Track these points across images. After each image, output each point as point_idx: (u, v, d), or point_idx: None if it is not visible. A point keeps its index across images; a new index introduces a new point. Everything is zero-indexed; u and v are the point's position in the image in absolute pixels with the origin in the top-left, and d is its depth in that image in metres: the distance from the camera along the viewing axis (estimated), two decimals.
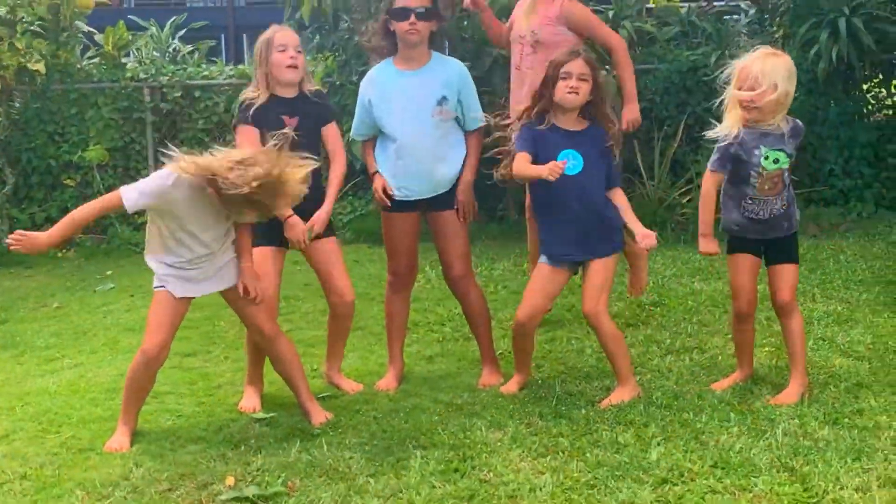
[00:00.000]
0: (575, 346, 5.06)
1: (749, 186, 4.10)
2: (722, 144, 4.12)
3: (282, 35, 4.36)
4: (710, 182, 4.19)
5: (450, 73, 4.52)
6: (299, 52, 4.37)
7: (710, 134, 4.20)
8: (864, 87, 8.70)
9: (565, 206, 4.23)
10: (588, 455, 3.62)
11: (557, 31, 5.23)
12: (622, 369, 4.26)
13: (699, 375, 4.51)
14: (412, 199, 4.53)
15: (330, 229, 4.55)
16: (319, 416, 4.19)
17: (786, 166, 4.09)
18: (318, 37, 9.56)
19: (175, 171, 3.75)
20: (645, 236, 4.17)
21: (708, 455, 3.56)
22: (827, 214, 7.99)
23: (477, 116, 4.58)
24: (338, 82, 8.94)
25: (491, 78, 8.03)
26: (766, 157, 4.06)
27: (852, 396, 4.13)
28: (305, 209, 4.25)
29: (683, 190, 8.02)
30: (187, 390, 4.65)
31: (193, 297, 4.05)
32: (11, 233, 3.96)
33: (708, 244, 4.21)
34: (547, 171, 4.01)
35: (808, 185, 8.23)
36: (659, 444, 3.69)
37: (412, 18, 4.41)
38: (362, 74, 8.53)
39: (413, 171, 4.48)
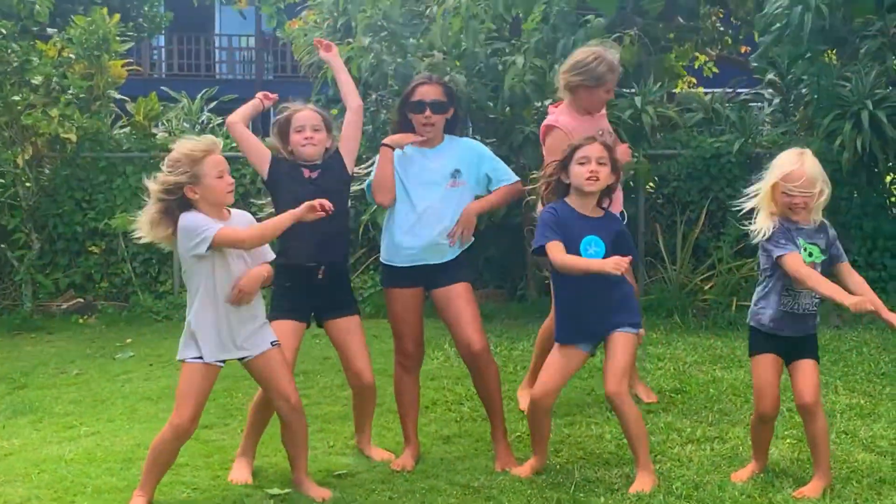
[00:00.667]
0: (594, 431, 5.01)
1: (788, 279, 4.09)
2: (777, 230, 4.07)
3: (300, 116, 4.54)
4: (796, 261, 4.02)
5: (462, 149, 4.69)
6: (316, 130, 4.51)
7: (754, 237, 4.15)
8: (888, 178, 8.72)
9: (587, 289, 4.23)
10: None
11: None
12: (642, 455, 4.21)
13: (720, 466, 4.45)
14: (416, 264, 4.58)
15: (353, 307, 4.62)
16: (318, 493, 4.16)
17: (818, 261, 4.10)
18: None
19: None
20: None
21: None
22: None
23: (509, 175, 4.68)
24: (364, 155, 9.02)
25: (521, 156, 8.11)
26: (805, 250, 4.08)
27: (875, 493, 4.07)
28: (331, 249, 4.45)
29: (706, 276, 8.02)
30: (203, 463, 4.62)
31: (222, 366, 4.05)
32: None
33: (858, 301, 3.91)
34: (612, 265, 3.99)
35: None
36: None
37: (427, 112, 4.56)
38: None
39: (424, 235, 4.56)
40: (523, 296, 8.91)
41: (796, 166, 4.08)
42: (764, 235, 4.10)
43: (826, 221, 4.20)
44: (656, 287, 8.03)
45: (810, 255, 4.09)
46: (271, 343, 4.11)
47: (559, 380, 4.36)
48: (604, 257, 4.19)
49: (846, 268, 4.20)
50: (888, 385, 5.79)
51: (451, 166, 4.61)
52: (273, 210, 4.55)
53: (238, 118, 4.62)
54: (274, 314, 4.39)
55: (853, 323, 7.58)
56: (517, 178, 4.72)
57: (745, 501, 3.98)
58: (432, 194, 4.58)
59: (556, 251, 4.17)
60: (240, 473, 4.42)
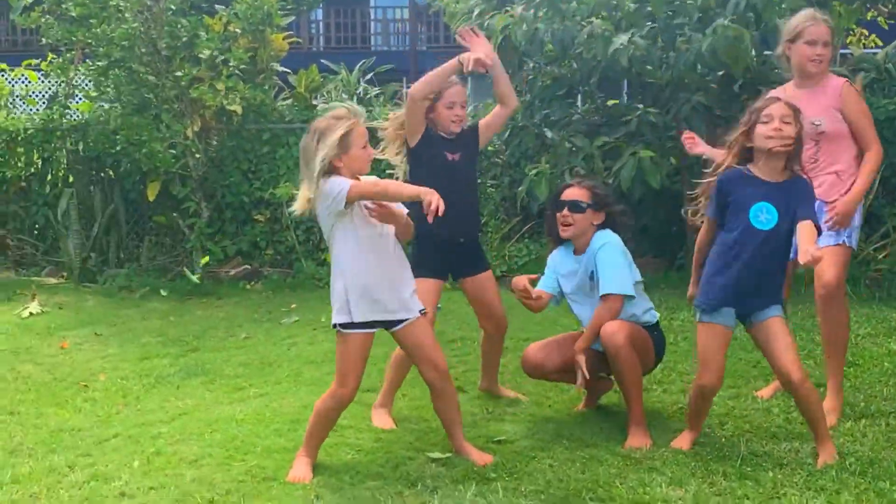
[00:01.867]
0: (761, 404, 4.86)
1: None
2: None
3: (452, 91, 4.73)
4: None
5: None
6: (464, 107, 4.77)
7: None
8: None
9: (744, 259, 4.07)
10: None
11: (838, 119, 4.75)
12: (823, 433, 4.09)
13: None
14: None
15: (486, 264, 4.99)
16: (480, 457, 4.19)
17: None
18: None
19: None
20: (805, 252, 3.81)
21: None
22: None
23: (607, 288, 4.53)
24: (521, 123, 9.01)
25: (690, 123, 7.87)
26: None
27: None
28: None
29: (879, 245, 7.64)
30: (366, 426, 4.72)
31: (374, 332, 4.11)
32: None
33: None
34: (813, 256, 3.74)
35: None
36: None
37: (565, 211, 4.65)
38: (545, 117, 8.68)
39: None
40: (682, 265, 8.71)
41: None
42: None
43: None
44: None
45: None
46: (420, 311, 4.16)
47: (723, 360, 4.22)
48: (775, 225, 4.03)
49: None
50: None
51: (589, 270, 4.63)
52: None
53: (421, 94, 4.65)
54: (416, 272, 4.50)
55: None
56: (618, 293, 4.51)
57: None
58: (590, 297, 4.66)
59: (701, 231, 4.20)
60: (382, 420, 4.71)
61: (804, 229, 3.93)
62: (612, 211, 4.66)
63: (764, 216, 4.05)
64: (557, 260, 4.78)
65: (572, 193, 4.65)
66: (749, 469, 3.97)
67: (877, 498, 3.63)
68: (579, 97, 9.40)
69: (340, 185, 3.93)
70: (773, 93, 4.64)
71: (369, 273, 4.04)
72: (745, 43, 7.19)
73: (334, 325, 4.08)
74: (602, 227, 4.65)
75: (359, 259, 4.03)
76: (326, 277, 8.89)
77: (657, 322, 4.71)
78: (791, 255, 4.17)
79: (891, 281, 7.43)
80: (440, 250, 4.78)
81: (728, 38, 7.17)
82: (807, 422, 4.16)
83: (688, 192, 4.41)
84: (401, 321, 4.12)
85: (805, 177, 4.13)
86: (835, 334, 4.76)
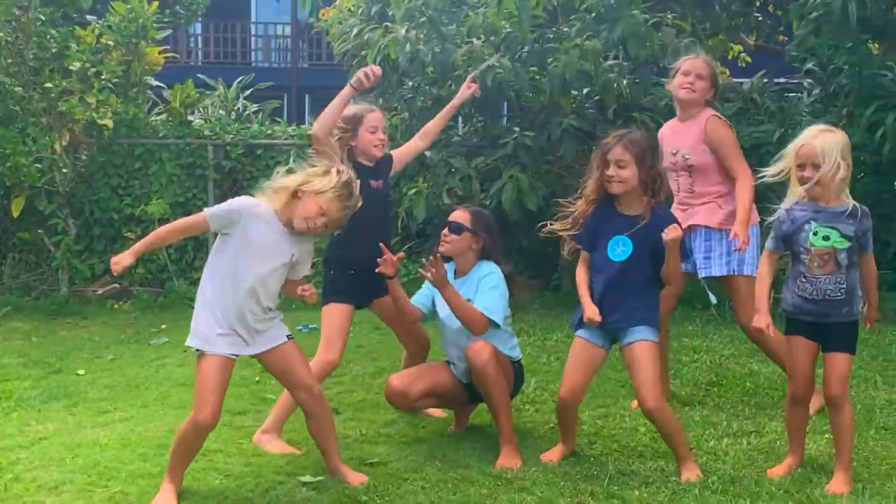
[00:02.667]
0: (629, 423, 4.96)
1: (801, 264, 4.06)
2: (775, 223, 4.11)
3: (373, 117, 4.82)
4: (765, 261, 4.19)
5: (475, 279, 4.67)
6: (385, 132, 4.89)
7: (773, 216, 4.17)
8: None
9: (602, 286, 4.27)
10: None
11: (704, 151, 5.03)
12: (685, 453, 4.24)
13: (757, 460, 4.39)
14: None
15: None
16: (355, 478, 4.17)
17: (839, 246, 4.00)
18: (381, 99, 9.68)
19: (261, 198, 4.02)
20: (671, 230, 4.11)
21: None
22: (890, 299, 7.82)
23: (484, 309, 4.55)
24: (400, 142, 9.01)
25: (558, 148, 8.06)
26: (816, 234, 4.01)
27: None
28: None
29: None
30: (236, 449, 4.63)
31: (237, 358, 4.04)
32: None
33: (759, 318, 4.08)
34: (589, 313, 4.20)
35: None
36: None
37: (445, 230, 4.70)
38: None
39: None
40: (558, 286, 8.86)
41: (806, 139, 4.04)
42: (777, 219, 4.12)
43: (864, 209, 4.04)
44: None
45: (826, 238, 4.00)
46: (287, 336, 4.12)
47: (585, 377, 4.34)
48: (628, 258, 4.22)
49: (864, 259, 4.11)
50: None
51: (467, 296, 4.64)
52: None
53: (323, 130, 4.65)
54: (329, 298, 4.76)
55: (893, 317, 7.47)
56: (489, 320, 4.52)
57: (782, 497, 3.92)
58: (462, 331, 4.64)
59: (580, 265, 4.37)
60: (276, 445, 4.62)
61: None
62: (489, 238, 4.70)
63: (620, 249, 4.24)
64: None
65: (456, 215, 4.74)
66: (616, 488, 4.04)
67: None
68: (460, 119, 9.49)
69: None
70: (664, 127, 5.21)
71: (234, 308, 3.98)
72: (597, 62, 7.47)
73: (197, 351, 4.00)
74: (482, 253, 4.70)
75: (231, 289, 3.97)
76: None
77: (519, 360, 4.79)
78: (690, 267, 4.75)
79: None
80: (355, 276, 4.78)
81: (582, 55, 7.45)
82: (668, 445, 4.29)
83: (551, 221, 4.49)
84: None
85: (658, 210, 4.27)
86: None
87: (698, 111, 5.07)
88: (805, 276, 4.06)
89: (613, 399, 5.41)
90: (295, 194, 3.97)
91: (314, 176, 3.99)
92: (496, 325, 4.55)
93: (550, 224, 4.49)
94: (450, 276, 4.74)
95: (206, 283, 4.03)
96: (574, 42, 7.75)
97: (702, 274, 5.14)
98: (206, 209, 4.04)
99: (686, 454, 4.22)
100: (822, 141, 4.00)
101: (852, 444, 4.14)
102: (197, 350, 3.98)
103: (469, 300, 4.57)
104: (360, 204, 4.07)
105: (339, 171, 4.01)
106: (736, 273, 5.02)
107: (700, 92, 5.04)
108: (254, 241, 3.95)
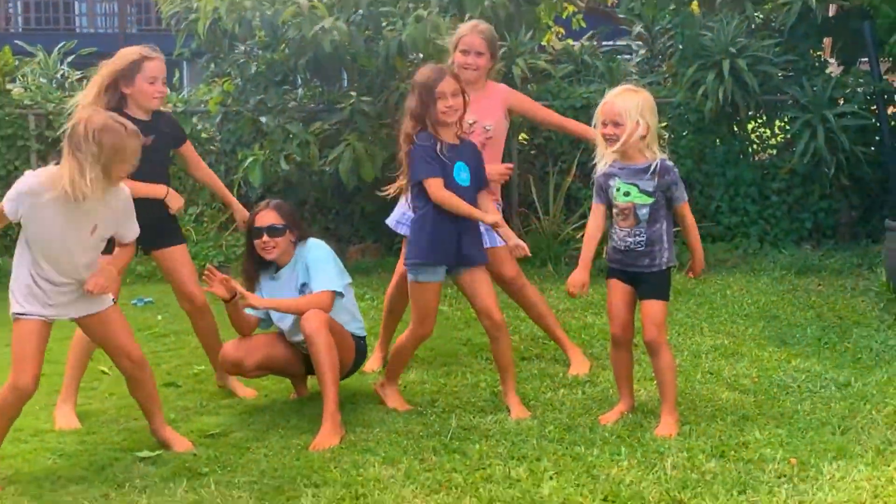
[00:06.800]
0: (470, 380, 5.06)
1: (612, 216, 4.28)
2: (594, 178, 4.32)
3: (154, 65, 4.56)
4: (592, 215, 4.38)
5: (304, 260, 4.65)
6: (165, 83, 4.66)
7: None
8: (749, 127, 9.00)
9: (452, 217, 4.37)
10: (481, 491, 3.61)
11: (503, 124, 5.20)
12: (511, 384, 4.57)
13: (591, 409, 4.55)
14: None
15: (179, 237, 4.85)
16: (181, 444, 4.14)
17: (638, 201, 4.20)
18: (213, 64, 9.44)
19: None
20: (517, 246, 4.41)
21: (599, 489, 3.60)
22: (714, 250, 8.20)
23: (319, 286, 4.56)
24: (234, 108, 8.84)
25: (394, 112, 8.04)
26: (618, 189, 4.21)
27: (738, 429, 4.22)
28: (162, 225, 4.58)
29: (577, 225, 8.14)
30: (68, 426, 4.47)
31: (54, 320, 3.92)
32: None
33: (574, 275, 4.30)
34: (492, 220, 4.39)
35: (696, 220, 8.42)
36: (551, 479, 3.70)
37: (265, 237, 4.61)
38: (260, 102, 8.56)
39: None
40: (399, 249, 8.86)
41: (608, 98, 4.22)
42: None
43: (666, 165, 4.22)
44: (530, 237, 8.11)
45: (626, 194, 4.20)
46: (112, 300, 4.03)
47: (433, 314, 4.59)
48: (469, 183, 4.41)
49: (680, 209, 4.32)
50: (750, 326, 6.02)
51: (298, 282, 4.62)
52: None
53: None
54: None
55: (717, 267, 7.84)
56: (332, 293, 4.54)
57: (615, 442, 4.08)
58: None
59: (439, 189, 4.34)
60: (67, 420, 4.50)
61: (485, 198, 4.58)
62: (300, 225, 4.72)
63: (463, 174, 4.41)
64: (263, 288, 4.73)
65: (265, 218, 4.62)
66: (457, 443, 4.12)
67: (573, 462, 3.88)
68: (299, 82, 9.34)
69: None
70: None
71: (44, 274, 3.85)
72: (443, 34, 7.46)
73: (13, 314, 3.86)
74: (299, 237, 4.68)
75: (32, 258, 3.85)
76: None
77: (363, 337, 4.80)
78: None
79: None
80: None
81: (424, 28, 7.44)
82: (497, 366, 4.59)
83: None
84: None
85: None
86: (534, 311, 5.29)
87: (483, 84, 5.12)
88: (614, 228, 4.29)
89: (455, 357, 5.50)
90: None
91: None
92: (341, 295, 4.54)
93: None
94: (270, 283, 4.69)
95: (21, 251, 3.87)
96: (416, 13, 7.71)
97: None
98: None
99: (512, 385, 4.58)
100: (623, 99, 4.17)
101: (676, 388, 4.35)
102: (13, 315, 3.84)
103: (305, 283, 4.57)
104: (140, 139, 3.86)
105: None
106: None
107: (482, 69, 5.03)
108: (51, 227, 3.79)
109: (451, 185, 4.36)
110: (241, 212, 5.02)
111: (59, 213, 3.74)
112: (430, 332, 4.59)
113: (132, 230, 4.03)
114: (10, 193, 3.78)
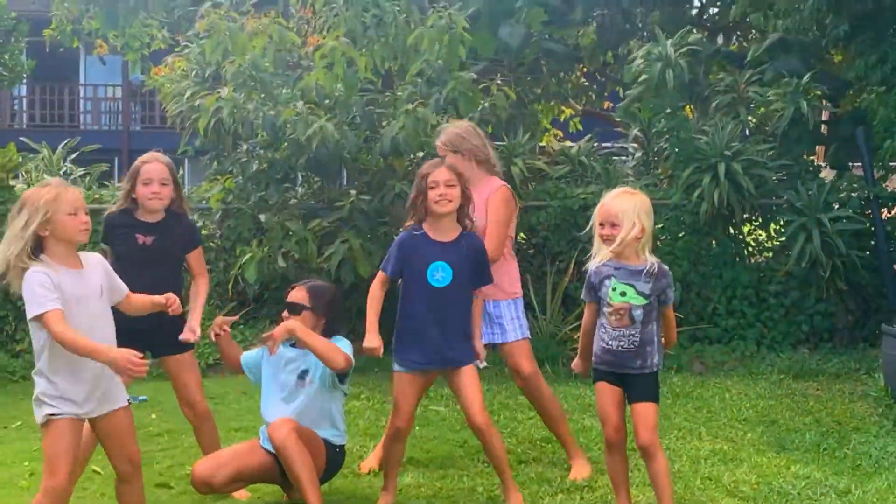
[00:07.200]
0: (467, 483, 4.99)
1: (603, 316, 4.28)
2: (587, 276, 4.34)
3: (149, 168, 4.71)
4: (585, 312, 4.40)
5: None
6: (164, 185, 4.71)
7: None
8: (745, 229, 9.08)
9: (428, 317, 4.43)
10: None
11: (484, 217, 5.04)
12: (508, 478, 4.58)
13: None
14: None
15: (187, 343, 4.80)
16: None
17: (635, 302, 4.21)
18: (216, 162, 9.57)
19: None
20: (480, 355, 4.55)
21: None
22: (711, 352, 8.20)
23: None
24: (235, 206, 8.93)
25: (392, 211, 8.15)
26: (614, 289, 4.23)
27: None
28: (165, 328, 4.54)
29: (575, 325, 8.13)
30: None
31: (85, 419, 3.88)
32: None
33: (576, 363, 4.47)
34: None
35: (693, 322, 8.45)
36: None
37: (285, 312, 4.68)
38: (260, 199, 8.64)
39: None
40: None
41: (607, 200, 4.29)
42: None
43: (662, 269, 4.27)
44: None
45: (623, 294, 4.21)
46: (129, 400, 4.00)
47: (410, 408, 4.60)
48: (450, 283, 4.43)
49: (668, 311, 4.35)
50: (749, 431, 5.97)
51: (300, 368, 4.66)
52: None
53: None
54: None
55: (715, 369, 7.82)
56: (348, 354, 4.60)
57: None
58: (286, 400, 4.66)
59: (372, 287, 4.56)
60: None
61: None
62: (330, 314, 4.70)
63: (440, 274, 4.42)
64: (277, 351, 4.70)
65: (294, 294, 4.69)
66: None
67: None
68: (299, 180, 9.46)
69: (40, 303, 3.68)
70: None
71: (75, 368, 3.79)
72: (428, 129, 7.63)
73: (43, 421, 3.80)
74: (325, 330, 4.65)
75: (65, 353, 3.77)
76: (21, 370, 8.33)
77: (341, 446, 4.75)
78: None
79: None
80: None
81: (415, 123, 7.61)
82: (493, 465, 4.58)
83: None
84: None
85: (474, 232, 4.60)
86: (548, 410, 5.23)
87: (481, 177, 5.11)
88: (604, 328, 4.27)
89: (452, 460, 5.43)
90: (40, 236, 3.76)
91: (31, 207, 3.77)
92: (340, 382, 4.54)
93: None
94: (286, 351, 4.69)
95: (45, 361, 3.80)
96: (405, 108, 7.89)
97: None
98: (48, 314, 3.68)
99: (510, 479, 4.56)
100: (621, 201, 4.24)
101: (672, 492, 4.29)
102: (45, 417, 3.77)
103: (306, 370, 4.60)
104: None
105: (29, 191, 3.88)
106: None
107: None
108: (66, 295, 3.75)
109: (420, 283, 4.41)
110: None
111: (70, 278, 3.82)
112: (405, 425, 4.56)
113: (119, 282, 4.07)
114: (38, 292, 3.70)
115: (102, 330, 3.86)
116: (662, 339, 4.36)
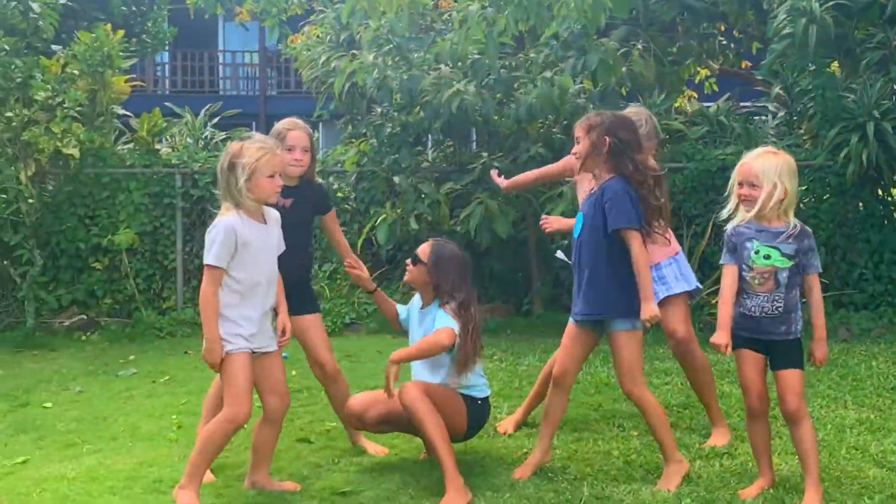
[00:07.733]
0: (602, 447, 4.95)
1: (744, 280, 4.12)
2: (726, 237, 4.19)
3: (292, 135, 4.82)
4: (724, 275, 4.21)
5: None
6: (306, 152, 4.82)
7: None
8: (894, 190, 8.68)
9: (576, 266, 4.49)
10: None
11: None
12: (667, 446, 4.39)
13: (730, 482, 4.39)
14: None
15: (313, 305, 4.95)
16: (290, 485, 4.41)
17: (779, 265, 4.06)
18: (350, 126, 9.70)
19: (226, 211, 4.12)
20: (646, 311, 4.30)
21: None
22: (857, 319, 7.90)
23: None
24: (369, 168, 9.05)
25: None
26: (757, 252, 4.08)
27: None
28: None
29: (712, 289, 7.94)
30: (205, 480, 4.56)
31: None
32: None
33: (718, 336, 4.11)
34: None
35: (838, 288, 8.16)
36: None
37: (408, 261, 4.76)
38: (394, 162, 8.75)
39: None
40: (528, 310, 8.86)
41: (747, 159, 4.13)
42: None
43: (805, 230, 4.13)
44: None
45: (767, 257, 4.06)
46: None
47: (572, 363, 4.56)
48: (579, 233, 4.48)
49: (810, 280, 4.16)
50: None
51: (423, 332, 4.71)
52: None
53: None
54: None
55: (861, 336, 7.53)
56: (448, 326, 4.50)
57: None
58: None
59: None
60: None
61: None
62: (438, 275, 4.62)
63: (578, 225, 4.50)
64: (414, 302, 4.88)
65: (422, 247, 4.76)
66: None
67: None
68: (430, 144, 9.53)
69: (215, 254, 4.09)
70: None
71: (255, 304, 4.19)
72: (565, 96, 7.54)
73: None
74: (434, 288, 4.66)
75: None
76: (168, 327, 8.69)
77: (486, 397, 4.71)
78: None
79: None
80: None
81: (550, 90, 7.51)
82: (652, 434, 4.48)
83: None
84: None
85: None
86: (699, 379, 5.13)
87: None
88: (746, 293, 4.13)
89: (586, 423, 5.40)
90: (241, 191, 4.11)
91: (236, 161, 4.12)
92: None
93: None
94: (417, 306, 4.74)
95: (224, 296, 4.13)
96: (543, 75, 7.81)
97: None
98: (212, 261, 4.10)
99: (672, 452, 4.40)
100: (763, 161, 4.09)
101: (818, 460, 4.15)
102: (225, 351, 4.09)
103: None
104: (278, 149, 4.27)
105: (240, 146, 4.17)
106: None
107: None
108: (251, 246, 4.13)
109: None
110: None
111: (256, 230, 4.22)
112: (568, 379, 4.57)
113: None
114: (219, 241, 4.10)
115: (274, 282, 4.25)
116: (814, 325, 4.17)
